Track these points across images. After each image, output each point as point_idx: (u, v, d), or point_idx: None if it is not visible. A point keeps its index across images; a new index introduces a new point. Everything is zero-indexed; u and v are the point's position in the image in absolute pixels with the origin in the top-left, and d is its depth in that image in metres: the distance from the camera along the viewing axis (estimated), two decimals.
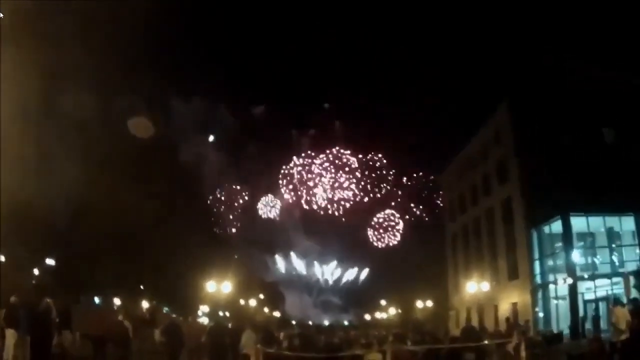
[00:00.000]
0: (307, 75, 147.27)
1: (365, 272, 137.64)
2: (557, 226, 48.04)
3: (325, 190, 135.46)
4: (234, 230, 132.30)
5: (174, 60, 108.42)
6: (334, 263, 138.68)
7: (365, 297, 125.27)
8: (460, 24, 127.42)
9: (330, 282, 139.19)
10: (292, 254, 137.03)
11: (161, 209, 69.36)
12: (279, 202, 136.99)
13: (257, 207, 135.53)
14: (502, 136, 58.30)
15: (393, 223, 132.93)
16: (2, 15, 30.10)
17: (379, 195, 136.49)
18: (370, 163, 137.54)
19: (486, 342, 26.28)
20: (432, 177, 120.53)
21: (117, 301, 65.65)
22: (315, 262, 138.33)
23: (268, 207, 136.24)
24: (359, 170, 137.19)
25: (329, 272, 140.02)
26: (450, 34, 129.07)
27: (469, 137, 70.04)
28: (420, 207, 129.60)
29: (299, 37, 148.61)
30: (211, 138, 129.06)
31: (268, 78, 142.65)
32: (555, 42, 50.75)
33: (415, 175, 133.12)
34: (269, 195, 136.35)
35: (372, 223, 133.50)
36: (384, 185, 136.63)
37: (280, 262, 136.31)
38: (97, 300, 71.57)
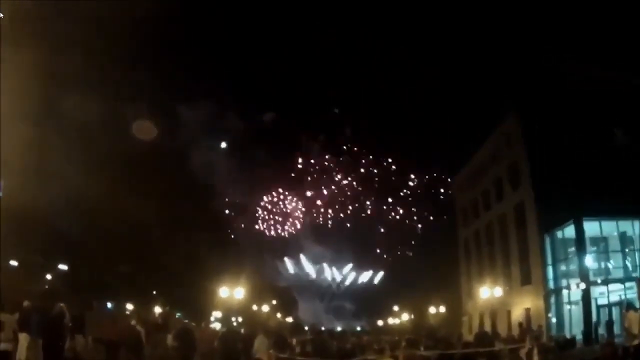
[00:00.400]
0: (317, 80, 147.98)
1: (378, 276, 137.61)
2: (569, 231, 47.88)
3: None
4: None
5: (179, 63, 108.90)
6: (348, 267, 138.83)
7: (378, 303, 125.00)
8: (470, 29, 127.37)
9: (343, 287, 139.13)
10: (302, 257, 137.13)
11: (174, 215, 69.58)
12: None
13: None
14: (513, 141, 58.21)
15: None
16: (2, 15, 30.19)
17: (389, 200, 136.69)
18: (380, 167, 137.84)
19: (499, 347, 26.24)
20: (444, 182, 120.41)
21: (129, 306, 65.81)
22: (326, 266, 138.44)
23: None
24: (369, 174, 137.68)
25: (340, 276, 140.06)
26: (460, 40, 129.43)
27: (480, 143, 70.01)
28: (433, 213, 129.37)
29: (307, 42, 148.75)
30: (223, 144, 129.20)
31: (276, 82, 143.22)
32: (565, 46, 50.62)
33: (427, 180, 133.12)
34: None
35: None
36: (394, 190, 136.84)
37: (290, 266, 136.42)
38: (109, 305, 71.80)
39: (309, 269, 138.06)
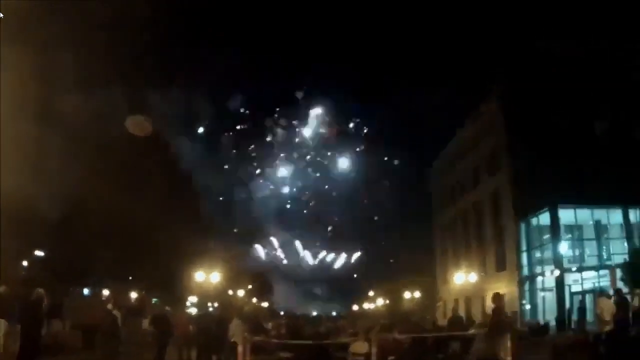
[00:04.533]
0: (294, 63, 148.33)
1: (354, 261, 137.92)
2: (545, 218, 48.26)
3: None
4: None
5: (172, 59, 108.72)
6: (322, 252, 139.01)
7: (353, 288, 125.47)
8: (450, 14, 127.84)
9: (318, 272, 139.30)
10: (274, 241, 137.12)
11: (149, 200, 69.30)
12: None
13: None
14: (492, 128, 58.46)
15: None
16: (1, 15, 29.93)
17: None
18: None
19: (472, 331, 26.43)
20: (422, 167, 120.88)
21: (106, 292, 65.62)
22: (300, 248, 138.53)
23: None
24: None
25: (315, 261, 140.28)
26: (441, 25, 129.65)
27: (459, 129, 70.21)
28: (409, 197, 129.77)
29: (288, 30, 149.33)
30: (200, 130, 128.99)
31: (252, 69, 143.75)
32: (546, 33, 50.83)
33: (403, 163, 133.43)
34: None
35: None
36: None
37: (261, 252, 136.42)
38: (86, 291, 71.52)
39: (281, 253, 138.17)
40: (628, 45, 48.11)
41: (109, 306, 22.75)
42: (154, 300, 70.92)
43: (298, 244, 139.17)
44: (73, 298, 49.79)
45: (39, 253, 65.22)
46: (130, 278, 73.70)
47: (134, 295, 67.84)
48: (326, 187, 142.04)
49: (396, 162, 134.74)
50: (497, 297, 20.00)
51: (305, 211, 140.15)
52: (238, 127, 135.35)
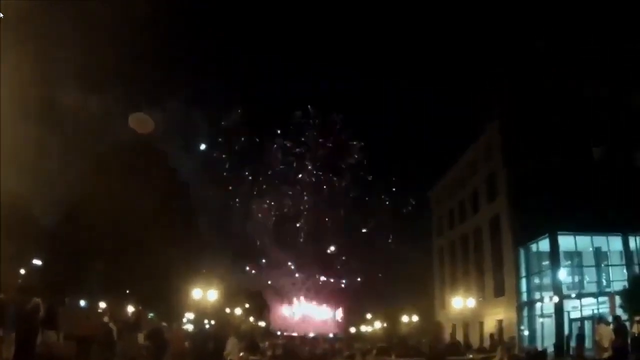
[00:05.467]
0: (294, 85, 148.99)
1: (352, 284, 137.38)
2: (544, 245, 48.22)
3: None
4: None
5: (175, 61, 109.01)
6: (318, 275, 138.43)
7: (351, 311, 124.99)
8: (451, 38, 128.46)
9: (314, 294, 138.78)
10: (269, 260, 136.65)
11: (148, 215, 69.27)
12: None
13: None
14: (491, 155, 58.58)
15: None
16: (2, 15, 29.95)
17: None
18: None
19: (470, 356, 26.34)
20: (422, 193, 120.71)
21: (102, 304, 65.41)
22: (294, 270, 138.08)
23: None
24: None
25: (311, 283, 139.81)
26: (442, 51, 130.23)
27: (459, 155, 70.29)
28: (408, 222, 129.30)
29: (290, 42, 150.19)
30: (202, 146, 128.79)
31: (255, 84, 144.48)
32: (544, 61, 50.86)
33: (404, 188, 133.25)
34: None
35: None
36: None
37: (257, 271, 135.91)
38: (82, 303, 71.35)
39: (274, 277, 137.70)
40: (628, 64, 48.10)
41: (106, 319, 22.67)
42: (150, 315, 70.70)
43: (292, 265, 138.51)
44: (68, 308, 49.59)
45: (36, 262, 65.16)
46: (127, 292, 73.54)
47: (130, 309, 67.68)
48: (323, 209, 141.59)
49: (395, 187, 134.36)
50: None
51: (302, 233, 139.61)
52: (236, 147, 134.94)
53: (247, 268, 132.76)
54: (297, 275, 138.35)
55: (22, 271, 62.17)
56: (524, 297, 51.62)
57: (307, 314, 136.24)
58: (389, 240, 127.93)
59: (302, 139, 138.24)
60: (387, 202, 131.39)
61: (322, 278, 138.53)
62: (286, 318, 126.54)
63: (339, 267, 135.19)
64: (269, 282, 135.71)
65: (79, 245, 61.62)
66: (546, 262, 48.91)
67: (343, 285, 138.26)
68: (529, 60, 52.69)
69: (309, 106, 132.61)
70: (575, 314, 45.65)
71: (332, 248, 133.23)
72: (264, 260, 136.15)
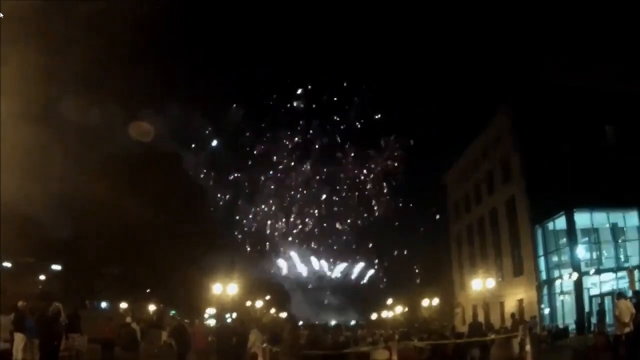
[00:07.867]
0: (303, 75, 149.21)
1: (371, 271, 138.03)
2: (561, 222, 48.10)
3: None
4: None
5: (177, 64, 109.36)
6: (342, 264, 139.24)
7: (372, 297, 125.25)
8: (463, 27, 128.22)
9: (336, 282, 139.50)
10: (294, 255, 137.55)
11: (166, 214, 69.54)
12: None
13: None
14: (504, 135, 58.41)
15: None
16: (1, 15, 30.14)
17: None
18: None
19: (491, 337, 26.37)
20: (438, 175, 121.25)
21: (123, 305, 65.74)
22: (315, 260, 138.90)
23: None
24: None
25: (333, 271, 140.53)
26: (454, 37, 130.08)
27: (473, 137, 70.16)
28: (425, 207, 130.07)
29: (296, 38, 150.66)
30: (214, 143, 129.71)
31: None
32: (556, 43, 50.89)
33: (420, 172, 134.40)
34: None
35: None
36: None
37: (283, 265, 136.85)
38: (103, 304, 71.85)
39: (301, 267, 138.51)
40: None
41: (128, 319, 22.90)
42: (172, 312, 71.07)
43: (314, 258, 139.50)
44: (90, 311, 49.94)
45: (55, 267, 65.55)
46: (148, 291, 73.95)
47: (152, 307, 68.05)
48: (342, 196, 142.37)
49: (413, 170, 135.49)
50: None
51: (324, 223, 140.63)
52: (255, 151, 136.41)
53: (268, 260, 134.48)
54: (317, 265, 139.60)
55: (42, 277, 62.62)
56: (543, 275, 51.51)
57: (328, 302, 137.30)
58: (406, 223, 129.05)
59: (310, 130, 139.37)
60: (404, 187, 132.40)
61: (343, 264, 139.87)
62: (308, 308, 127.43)
63: (358, 256, 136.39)
64: (291, 273, 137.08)
65: (97, 248, 61.93)
66: (563, 240, 48.85)
67: (364, 269, 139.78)
68: (540, 42, 52.66)
69: (308, 85, 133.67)
70: (594, 291, 45.58)
71: (350, 235, 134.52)
72: (291, 251, 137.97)
